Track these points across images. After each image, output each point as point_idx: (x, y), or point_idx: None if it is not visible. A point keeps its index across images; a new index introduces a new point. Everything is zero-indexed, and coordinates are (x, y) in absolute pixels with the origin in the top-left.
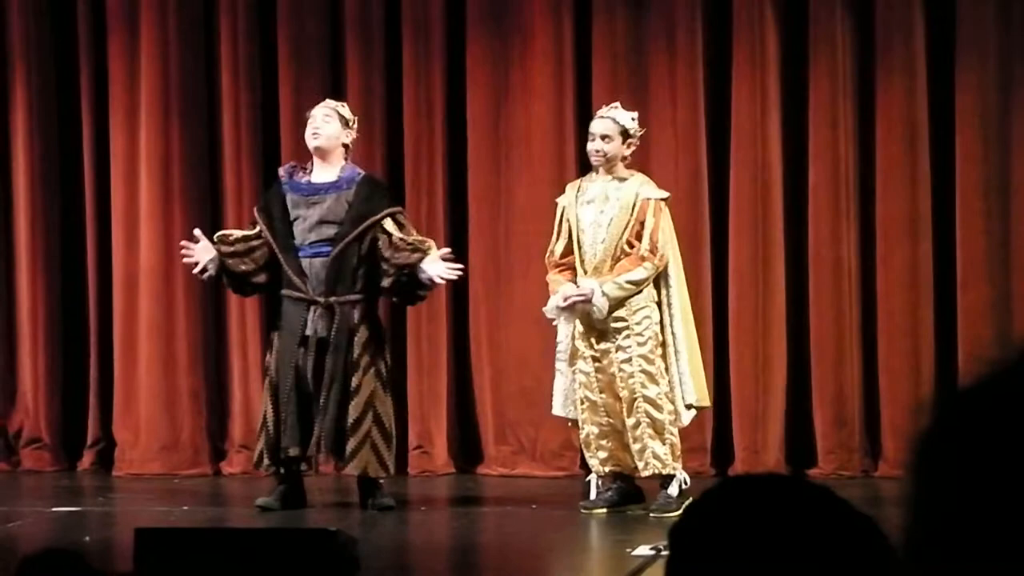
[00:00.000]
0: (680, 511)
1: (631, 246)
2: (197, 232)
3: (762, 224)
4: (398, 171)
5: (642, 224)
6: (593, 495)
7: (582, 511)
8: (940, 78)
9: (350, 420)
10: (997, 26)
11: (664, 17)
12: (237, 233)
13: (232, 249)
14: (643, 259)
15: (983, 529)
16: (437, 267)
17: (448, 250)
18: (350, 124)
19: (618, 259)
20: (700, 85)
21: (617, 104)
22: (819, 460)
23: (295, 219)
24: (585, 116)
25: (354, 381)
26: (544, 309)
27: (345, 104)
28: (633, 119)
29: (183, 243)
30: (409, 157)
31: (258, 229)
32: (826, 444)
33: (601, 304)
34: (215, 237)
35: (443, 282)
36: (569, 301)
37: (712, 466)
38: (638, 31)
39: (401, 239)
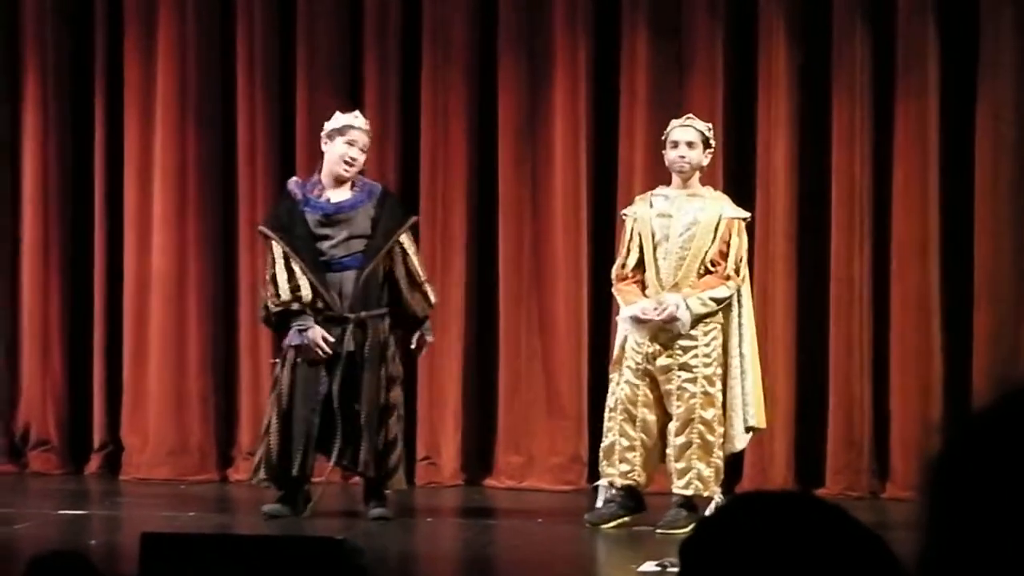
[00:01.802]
0: (687, 528)
1: (714, 264)
2: (320, 338)
3: (775, 241)
4: (413, 178)
5: (727, 243)
6: (600, 503)
7: (587, 524)
8: (959, 100)
9: (390, 436)
10: (1017, 49)
11: (685, 36)
12: (286, 291)
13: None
14: (728, 278)
15: (997, 551)
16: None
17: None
18: (369, 145)
19: (700, 276)
20: (720, 103)
21: (691, 115)
22: (827, 480)
23: (320, 237)
24: (605, 132)
25: (391, 397)
26: (618, 318)
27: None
28: (710, 128)
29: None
30: (425, 165)
31: (281, 252)
32: (834, 463)
33: (686, 319)
34: (300, 312)
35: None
36: (648, 316)
37: (720, 483)
38: (659, 48)
39: (417, 274)
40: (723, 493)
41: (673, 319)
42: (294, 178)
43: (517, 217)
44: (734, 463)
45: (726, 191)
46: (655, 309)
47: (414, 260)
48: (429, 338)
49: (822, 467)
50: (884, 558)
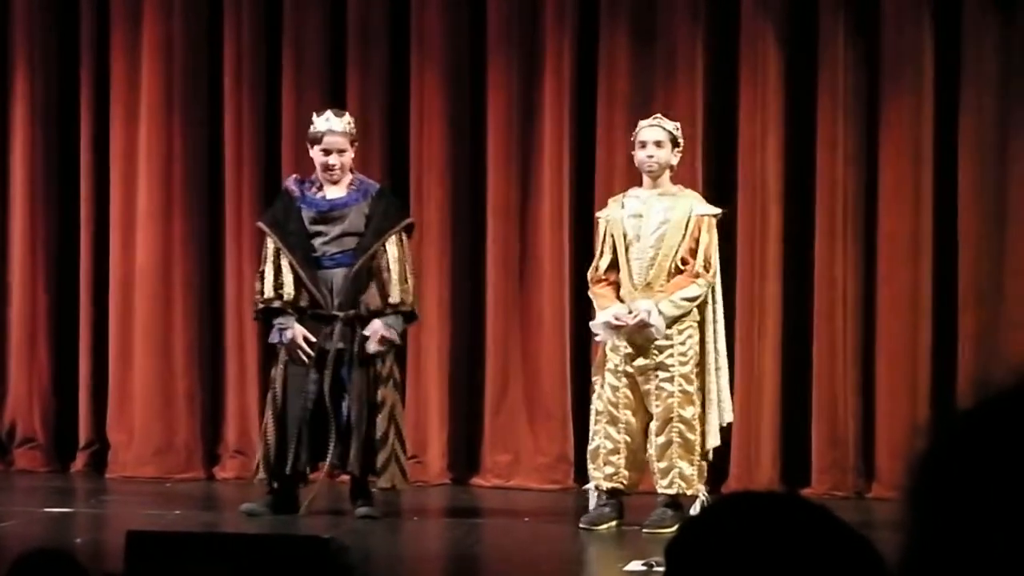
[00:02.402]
0: (673, 528)
1: (684, 263)
2: (300, 337)
3: (760, 242)
4: (399, 179)
5: (696, 241)
6: (592, 505)
7: (581, 527)
8: (944, 101)
9: (378, 434)
10: (1000, 51)
11: (667, 37)
12: (269, 288)
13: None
14: (697, 276)
15: (981, 553)
16: (371, 342)
17: (386, 334)
18: (356, 139)
19: (671, 275)
20: (700, 103)
21: (659, 114)
22: (812, 479)
23: (314, 234)
24: (587, 133)
25: (379, 395)
26: (591, 324)
27: (348, 115)
28: (678, 128)
29: (305, 349)
30: (412, 166)
31: (273, 248)
32: (820, 463)
33: (660, 324)
34: (281, 311)
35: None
36: (621, 322)
37: (705, 483)
38: (641, 49)
39: (388, 271)
40: (709, 492)
41: (645, 325)
42: (294, 175)
43: (503, 218)
44: (720, 463)
45: (707, 193)
46: (630, 314)
47: (391, 259)
48: (387, 333)
49: (808, 467)
50: (869, 559)
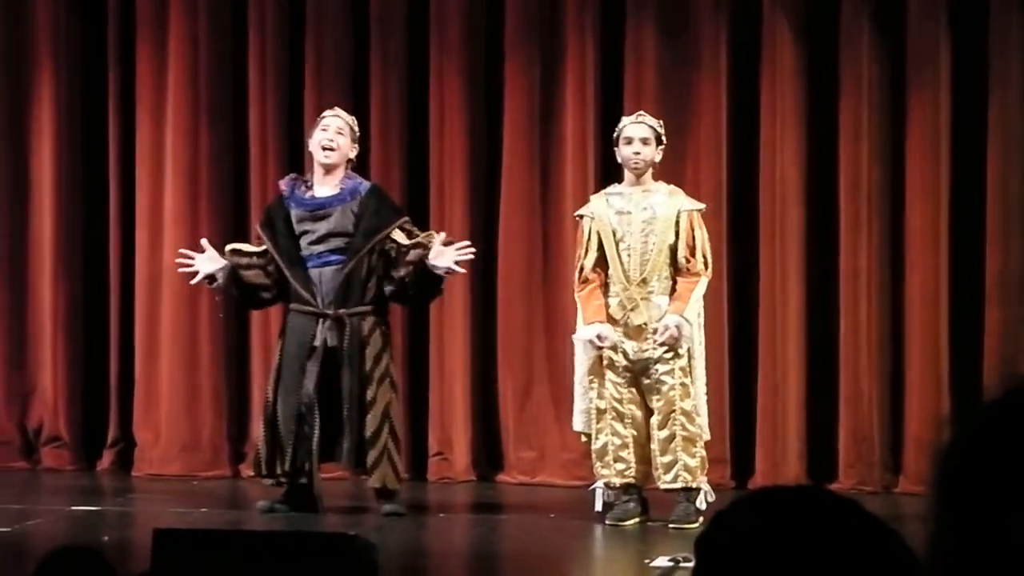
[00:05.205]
0: (699, 523)
1: (687, 260)
2: (204, 242)
3: (783, 236)
4: (418, 178)
5: (693, 238)
6: (599, 506)
7: (608, 523)
8: (969, 94)
9: (368, 432)
10: None
11: (690, 32)
12: (248, 248)
13: (247, 261)
14: (700, 273)
15: (1006, 543)
16: (446, 257)
17: (444, 235)
18: (356, 140)
19: (667, 271)
20: (724, 98)
21: (642, 111)
22: (839, 474)
23: (301, 233)
24: (609, 129)
25: (369, 394)
26: (574, 337)
27: (354, 119)
28: (661, 125)
29: (181, 252)
30: (433, 164)
31: (264, 247)
32: (847, 458)
33: (689, 332)
34: (227, 249)
35: (462, 270)
36: (604, 343)
37: (732, 479)
38: (665, 45)
39: (407, 244)
40: (735, 488)
41: (676, 340)
42: (291, 175)
43: (527, 215)
44: (746, 458)
45: (731, 187)
46: (667, 333)
47: (405, 242)
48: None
49: (834, 462)
50: (900, 552)
